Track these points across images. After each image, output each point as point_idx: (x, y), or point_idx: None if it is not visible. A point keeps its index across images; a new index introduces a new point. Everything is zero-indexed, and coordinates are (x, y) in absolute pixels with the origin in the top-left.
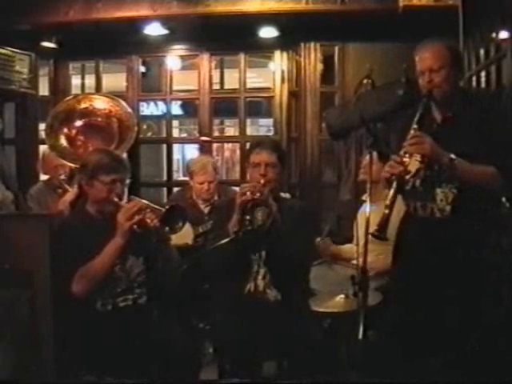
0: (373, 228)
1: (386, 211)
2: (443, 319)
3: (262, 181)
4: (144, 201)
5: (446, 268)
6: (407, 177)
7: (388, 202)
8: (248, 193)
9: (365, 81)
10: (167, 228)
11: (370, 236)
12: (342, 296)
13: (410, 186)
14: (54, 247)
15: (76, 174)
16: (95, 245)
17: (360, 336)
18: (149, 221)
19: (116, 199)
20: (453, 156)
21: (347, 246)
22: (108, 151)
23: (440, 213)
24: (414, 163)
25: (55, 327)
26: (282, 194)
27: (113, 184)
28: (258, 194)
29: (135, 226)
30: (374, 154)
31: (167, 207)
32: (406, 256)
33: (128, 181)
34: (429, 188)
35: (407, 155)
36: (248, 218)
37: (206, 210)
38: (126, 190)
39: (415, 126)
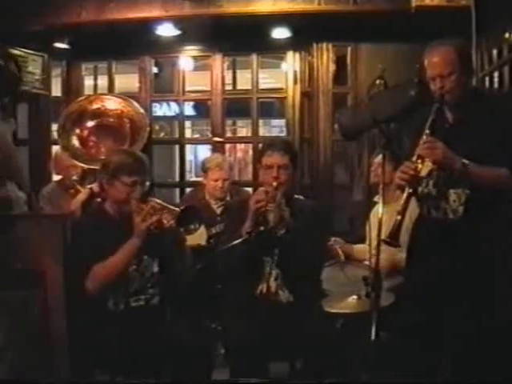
0: (385, 232)
1: (398, 217)
2: (456, 320)
3: (275, 183)
4: (160, 202)
5: (459, 269)
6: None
7: (400, 208)
8: (262, 201)
9: (377, 81)
10: (182, 229)
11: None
12: (355, 297)
13: (423, 188)
14: (71, 244)
15: (98, 174)
16: (112, 244)
17: (373, 337)
18: (165, 222)
19: (135, 200)
20: (465, 161)
21: (360, 246)
22: (130, 152)
23: (453, 214)
24: (426, 165)
25: (68, 327)
26: (296, 196)
27: (133, 185)
28: (271, 202)
29: (152, 227)
30: (386, 155)
31: (182, 208)
32: (419, 257)
33: (148, 183)
34: (442, 189)
35: (419, 161)
36: (261, 220)
37: (219, 211)
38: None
39: (427, 132)
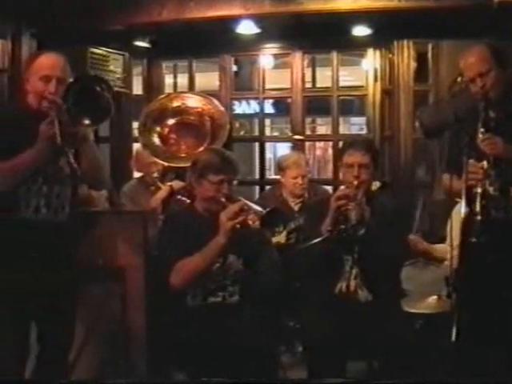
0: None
1: (478, 217)
2: None
3: (356, 182)
4: (248, 202)
5: None
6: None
7: (478, 208)
8: (344, 200)
9: (459, 79)
10: (267, 230)
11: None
12: (435, 297)
13: (480, 189)
14: (160, 238)
15: (188, 172)
16: (199, 241)
17: (453, 338)
18: (251, 222)
19: (223, 199)
20: None
21: (440, 246)
22: (218, 151)
23: None
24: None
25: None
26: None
27: (220, 184)
28: (353, 200)
29: (238, 226)
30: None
31: (268, 210)
32: (476, 256)
33: (235, 182)
34: (501, 187)
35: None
36: (342, 218)
37: (297, 208)
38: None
39: (482, 130)
